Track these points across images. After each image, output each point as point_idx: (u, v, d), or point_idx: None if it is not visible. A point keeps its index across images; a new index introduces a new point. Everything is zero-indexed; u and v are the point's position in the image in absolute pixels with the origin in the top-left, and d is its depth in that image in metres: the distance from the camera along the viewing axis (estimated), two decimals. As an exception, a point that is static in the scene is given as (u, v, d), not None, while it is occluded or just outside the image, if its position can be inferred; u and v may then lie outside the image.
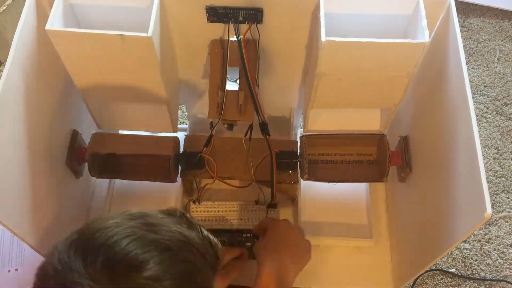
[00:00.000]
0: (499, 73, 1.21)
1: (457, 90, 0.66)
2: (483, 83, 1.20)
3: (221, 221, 0.90)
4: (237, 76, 0.75)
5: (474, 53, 1.25)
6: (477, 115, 1.15)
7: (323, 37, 0.62)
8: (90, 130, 0.88)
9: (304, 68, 0.81)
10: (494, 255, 0.98)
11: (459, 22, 1.30)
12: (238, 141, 0.82)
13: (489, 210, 0.55)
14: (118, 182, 0.97)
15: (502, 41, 1.27)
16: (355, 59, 0.66)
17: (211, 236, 0.50)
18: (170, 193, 0.95)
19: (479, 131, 1.12)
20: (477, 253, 0.98)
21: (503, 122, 1.14)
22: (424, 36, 0.64)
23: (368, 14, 0.69)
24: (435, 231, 0.71)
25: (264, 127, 0.78)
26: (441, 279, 0.94)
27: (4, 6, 1.07)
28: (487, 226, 1.01)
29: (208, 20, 0.71)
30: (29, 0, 0.67)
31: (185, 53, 0.79)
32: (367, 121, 0.84)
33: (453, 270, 0.96)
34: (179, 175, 0.86)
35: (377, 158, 0.85)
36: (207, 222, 0.90)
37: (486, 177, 1.04)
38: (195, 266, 0.44)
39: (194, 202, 0.89)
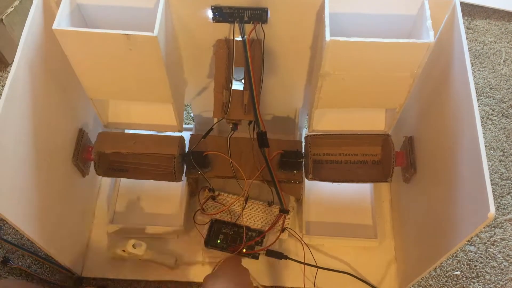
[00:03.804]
0: (505, 75, 1.21)
1: (462, 91, 0.66)
2: (489, 85, 1.19)
3: (229, 214, 0.89)
4: (243, 75, 0.75)
5: (480, 55, 1.24)
6: (482, 117, 1.15)
7: (328, 37, 0.62)
8: (96, 129, 0.88)
9: (309, 68, 0.81)
10: (499, 257, 0.97)
11: (464, 24, 1.30)
12: (246, 141, 0.82)
13: (492, 210, 0.55)
14: (123, 181, 0.98)
15: (508, 43, 1.26)
16: (359, 59, 0.66)
17: None
18: (175, 192, 0.96)
19: (484, 133, 1.12)
20: (482, 256, 0.97)
21: (509, 124, 1.13)
22: (429, 37, 0.64)
23: (373, 14, 0.69)
24: (440, 232, 0.71)
25: (262, 137, 0.76)
26: (446, 281, 0.94)
27: (12, 7, 1.08)
28: (493, 228, 1.00)
29: (213, 20, 0.71)
30: (36, 0, 0.68)
31: (190, 53, 0.80)
32: (371, 121, 0.84)
33: (458, 272, 0.95)
34: (184, 174, 0.86)
35: (381, 159, 0.85)
36: (216, 210, 0.89)
37: (492, 180, 1.05)
38: None
39: (209, 190, 0.89)
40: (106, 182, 1.00)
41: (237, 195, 0.89)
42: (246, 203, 0.89)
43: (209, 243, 0.89)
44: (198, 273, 0.91)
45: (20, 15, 1.10)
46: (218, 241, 0.89)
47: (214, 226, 0.90)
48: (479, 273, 0.95)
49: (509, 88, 1.19)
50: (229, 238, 0.88)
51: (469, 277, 0.95)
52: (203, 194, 0.89)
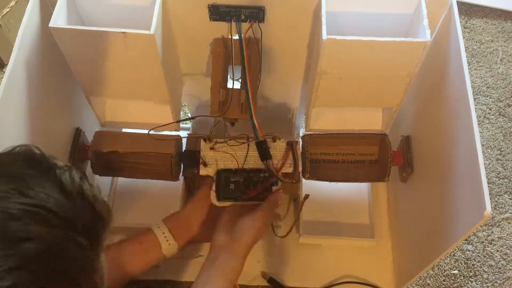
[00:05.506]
0: (502, 74, 1.21)
1: (458, 90, 0.66)
2: (486, 84, 1.20)
3: (234, 160, 0.79)
4: (240, 74, 0.75)
5: (476, 54, 1.25)
6: (479, 116, 1.15)
7: (324, 36, 0.62)
8: (93, 128, 0.88)
9: (306, 66, 0.81)
10: (497, 256, 0.97)
11: (461, 23, 1.30)
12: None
13: (488, 208, 0.55)
14: (120, 180, 0.98)
15: (504, 42, 1.27)
16: (356, 58, 0.66)
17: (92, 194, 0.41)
18: (172, 191, 0.96)
19: (482, 132, 1.12)
20: (479, 255, 0.97)
21: (506, 123, 1.14)
22: (426, 35, 0.64)
23: (370, 13, 0.69)
24: (437, 231, 0.71)
25: (262, 147, 0.74)
26: (443, 280, 0.94)
27: (8, 8, 1.08)
28: (490, 227, 1.00)
29: (210, 18, 0.71)
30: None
31: (187, 51, 0.80)
32: (369, 120, 0.84)
33: (456, 271, 0.95)
34: (181, 173, 0.86)
35: (378, 158, 0.85)
36: (219, 161, 0.79)
37: (489, 179, 1.05)
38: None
39: (205, 140, 0.80)
40: (103, 181, 0.99)
41: (236, 141, 0.79)
42: (249, 145, 0.79)
43: (221, 195, 0.79)
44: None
45: (16, 15, 1.10)
46: (231, 192, 0.79)
47: (222, 176, 0.79)
48: (476, 272, 0.95)
49: (506, 87, 1.19)
50: (241, 186, 0.78)
51: (466, 276, 0.95)
52: (199, 146, 0.81)
